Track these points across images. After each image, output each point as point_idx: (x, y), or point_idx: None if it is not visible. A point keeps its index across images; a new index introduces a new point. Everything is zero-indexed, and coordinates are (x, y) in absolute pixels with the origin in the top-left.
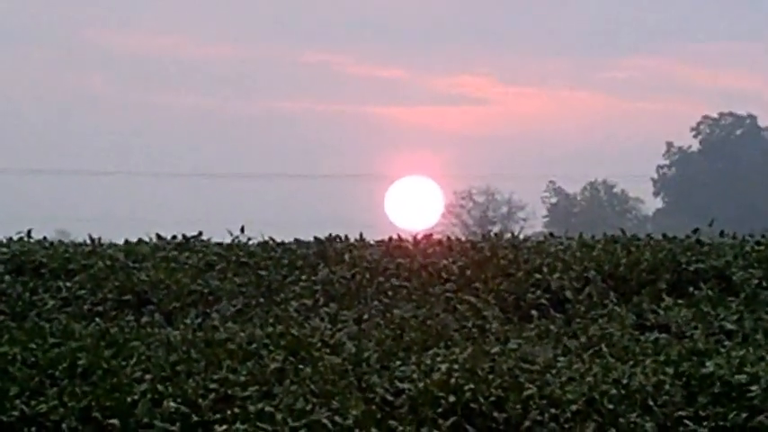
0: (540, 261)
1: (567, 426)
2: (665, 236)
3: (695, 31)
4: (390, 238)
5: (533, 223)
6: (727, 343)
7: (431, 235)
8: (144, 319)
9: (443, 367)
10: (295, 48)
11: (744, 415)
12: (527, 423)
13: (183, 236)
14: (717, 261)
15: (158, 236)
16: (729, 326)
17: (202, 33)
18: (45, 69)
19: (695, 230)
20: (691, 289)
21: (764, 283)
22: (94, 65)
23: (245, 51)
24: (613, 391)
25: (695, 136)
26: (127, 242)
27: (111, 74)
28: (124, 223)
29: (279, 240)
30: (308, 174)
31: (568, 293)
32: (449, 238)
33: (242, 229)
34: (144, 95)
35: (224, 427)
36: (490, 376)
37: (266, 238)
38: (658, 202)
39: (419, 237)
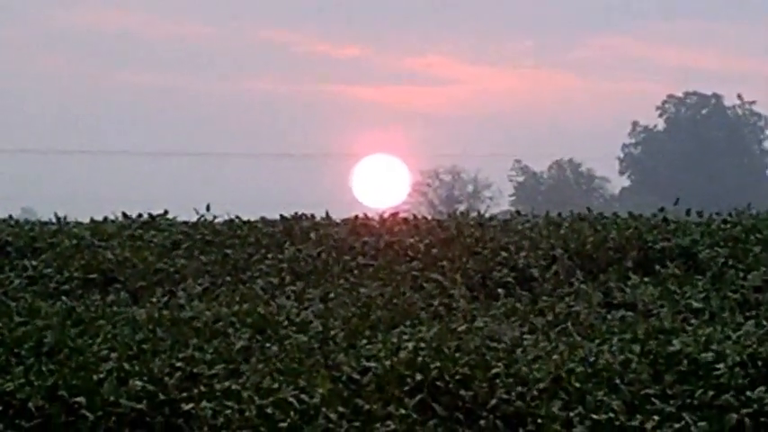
0: (507, 239)
1: (533, 404)
2: (631, 214)
3: (661, 10)
4: (356, 217)
5: (500, 202)
6: (693, 321)
7: (397, 213)
8: (110, 298)
9: (410, 345)
10: (254, 27)
11: (710, 393)
12: (494, 401)
13: (149, 214)
14: (683, 239)
15: (124, 214)
16: (696, 304)
17: (161, 12)
18: (6, 48)
19: (661, 209)
20: (657, 267)
21: (730, 262)
22: (56, 43)
23: (202, 30)
24: (580, 369)
25: (660, 115)
26: (93, 221)
27: (73, 52)
28: (90, 202)
29: (245, 219)
30: (272, 152)
31: (535, 272)
32: (415, 216)
33: (207, 208)
34: (105, 74)
35: (190, 405)
36: (457, 354)
37: (232, 217)
38: (624, 181)
39: (385, 215)
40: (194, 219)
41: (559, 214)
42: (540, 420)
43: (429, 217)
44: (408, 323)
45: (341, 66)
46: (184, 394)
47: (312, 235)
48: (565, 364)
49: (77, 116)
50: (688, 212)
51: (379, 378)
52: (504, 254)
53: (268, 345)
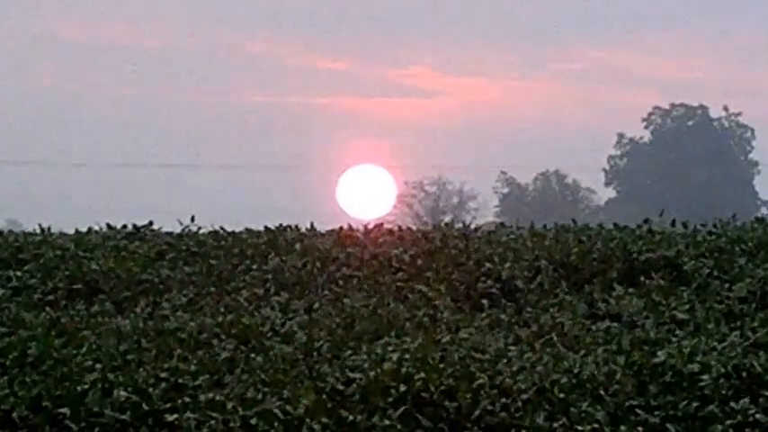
0: (491, 251)
1: (517, 415)
2: (616, 225)
3: (647, 22)
4: (341, 228)
5: (485, 213)
6: (678, 332)
7: (381, 224)
8: (94, 309)
9: (394, 357)
10: (241, 38)
11: (695, 404)
12: (478, 412)
13: (134, 225)
14: (668, 250)
15: (108, 225)
16: (680, 315)
17: (148, 22)
18: None
19: (646, 220)
20: (642, 278)
21: (715, 273)
22: (42, 53)
23: (190, 41)
24: (564, 381)
25: (646, 127)
26: (77, 232)
27: (58, 62)
28: (74, 213)
29: (229, 230)
30: (258, 164)
31: (519, 283)
32: (400, 227)
33: (192, 219)
34: (89, 84)
35: (174, 416)
36: (441, 365)
37: (217, 228)
38: (610, 193)
39: (370, 226)
40: (179, 230)
41: (544, 226)
42: (524, 431)
43: (414, 228)
44: (393, 334)
45: (327, 78)
46: (168, 405)
47: (297, 246)
48: (549, 376)
49: (62, 127)
50: (673, 223)
51: (364, 389)
52: (488, 265)
53: (252, 356)
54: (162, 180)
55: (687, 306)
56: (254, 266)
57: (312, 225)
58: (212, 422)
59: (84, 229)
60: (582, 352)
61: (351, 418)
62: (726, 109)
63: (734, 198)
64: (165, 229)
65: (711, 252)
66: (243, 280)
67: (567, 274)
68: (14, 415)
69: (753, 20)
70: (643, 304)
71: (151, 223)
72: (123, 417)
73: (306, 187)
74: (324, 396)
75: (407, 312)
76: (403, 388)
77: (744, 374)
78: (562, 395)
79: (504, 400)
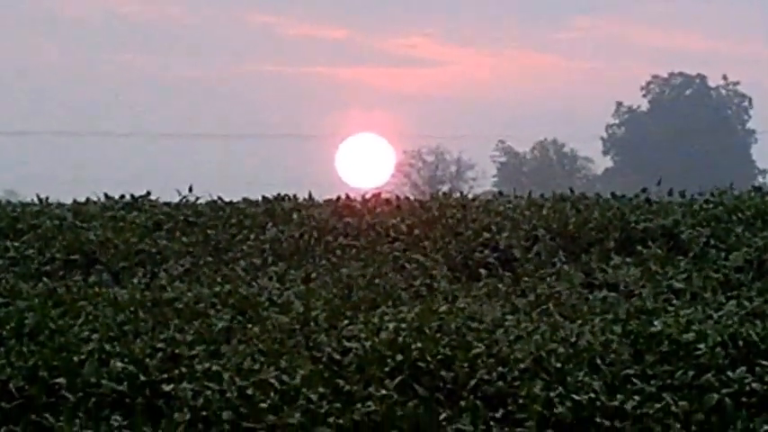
0: (489, 220)
1: (514, 384)
2: (613, 195)
3: None
4: (339, 198)
5: (483, 183)
6: (675, 302)
7: (379, 194)
8: (91, 279)
9: (391, 326)
10: (239, 10)
11: (691, 373)
12: (474, 382)
13: (131, 195)
14: (665, 220)
15: (106, 195)
16: (677, 284)
17: None
18: None
19: (644, 189)
20: (639, 248)
21: (712, 242)
22: (41, 26)
23: (188, 13)
24: (561, 350)
25: (644, 96)
26: (75, 202)
27: (58, 35)
28: (72, 183)
29: (227, 200)
30: (256, 133)
31: (517, 252)
32: (397, 197)
33: (190, 189)
34: (90, 56)
35: (171, 386)
36: (438, 335)
37: (214, 198)
38: (608, 162)
39: (368, 196)
40: (176, 200)
41: (542, 195)
42: (520, 401)
43: (412, 197)
44: (390, 304)
45: (325, 47)
46: (165, 375)
47: (294, 216)
48: (546, 345)
49: (62, 97)
50: (670, 192)
51: (361, 359)
52: (486, 234)
53: (249, 326)
54: (159, 150)
55: (684, 275)
56: (252, 236)
57: (310, 195)
58: (209, 392)
59: (82, 200)
60: (579, 321)
61: (347, 387)
62: (724, 78)
63: (731, 167)
64: (162, 199)
65: (709, 221)
66: (240, 250)
67: (565, 244)
68: (11, 385)
69: None
70: (640, 273)
71: (149, 193)
72: (120, 387)
73: (304, 157)
74: (320, 366)
75: (404, 282)
76: (400, 357)
77: (740, 343)
78: (559, 364)
79: (501, 369)
